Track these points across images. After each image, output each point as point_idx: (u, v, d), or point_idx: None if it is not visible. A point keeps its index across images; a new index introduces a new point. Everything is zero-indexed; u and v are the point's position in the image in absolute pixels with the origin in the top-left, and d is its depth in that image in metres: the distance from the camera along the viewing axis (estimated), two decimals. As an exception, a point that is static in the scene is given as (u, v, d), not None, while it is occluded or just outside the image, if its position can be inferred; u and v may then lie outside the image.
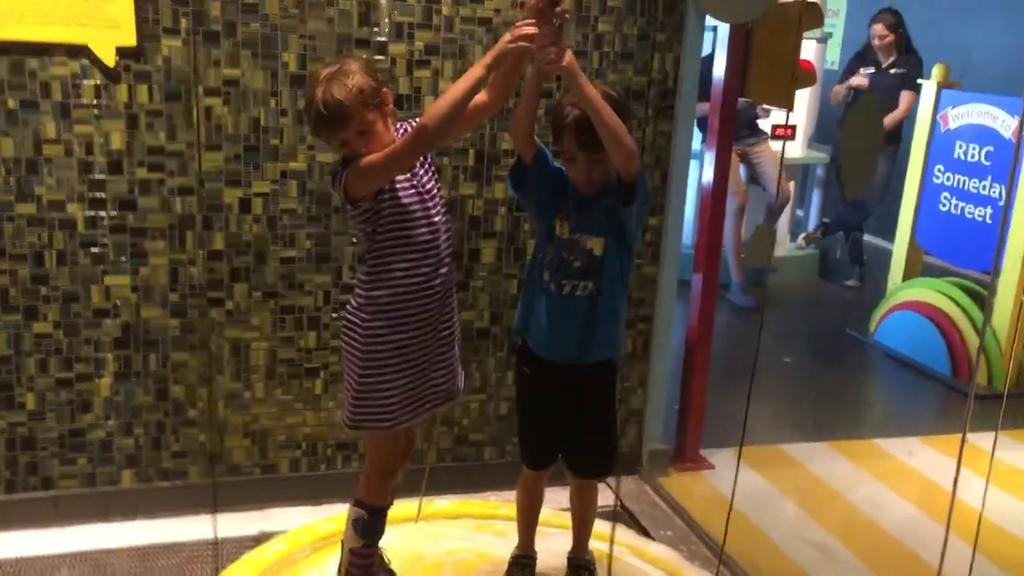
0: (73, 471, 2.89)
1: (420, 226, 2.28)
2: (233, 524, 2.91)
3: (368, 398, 2.31)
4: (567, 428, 2.52)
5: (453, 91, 2.14)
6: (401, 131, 2.28)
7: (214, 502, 2.67)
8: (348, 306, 2.35)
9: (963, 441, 2.27)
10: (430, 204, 2.31)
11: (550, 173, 2.38)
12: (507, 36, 2.14)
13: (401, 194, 2.26)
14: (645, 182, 2.32)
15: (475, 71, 2.15)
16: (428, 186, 2.32)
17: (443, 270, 2.35)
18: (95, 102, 2.67)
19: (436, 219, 2.32)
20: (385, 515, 2.47)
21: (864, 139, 2.31)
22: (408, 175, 2.28)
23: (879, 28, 5.80)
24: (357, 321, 2.30)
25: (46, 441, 2.85)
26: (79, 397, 2.85)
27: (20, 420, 2.82)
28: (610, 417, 2.56)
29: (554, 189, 2.38)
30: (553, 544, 2.73)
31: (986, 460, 2.93)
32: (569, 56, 2.15)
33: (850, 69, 6.09)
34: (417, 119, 2.22)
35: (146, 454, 2.94)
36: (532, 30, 2.12)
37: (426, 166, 2.34)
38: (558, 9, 2.11)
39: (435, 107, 2.14)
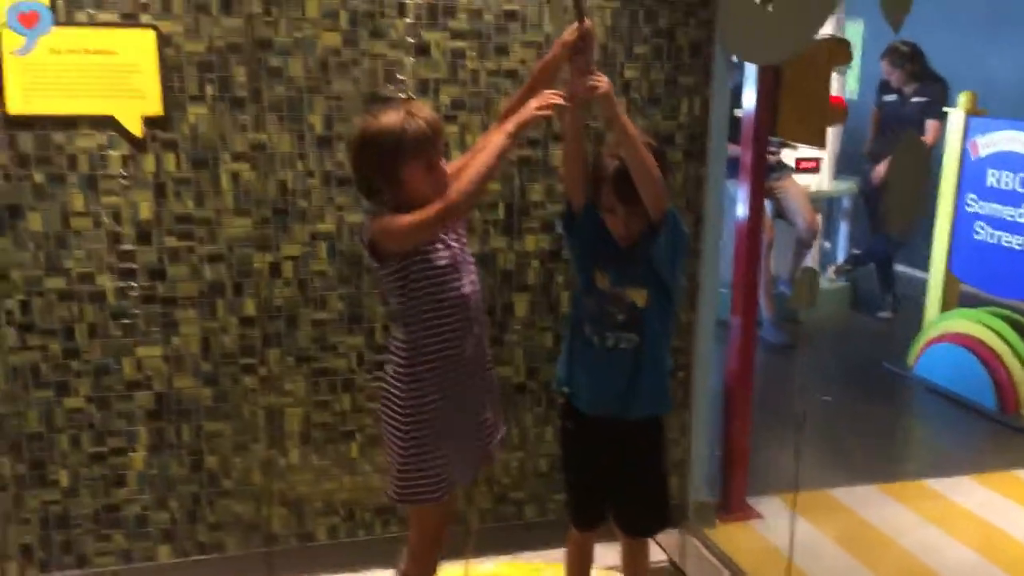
0: (109, 548, 2.83)
1: (453, 287, 2.24)
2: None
3: (414, 469, 2.25)
4: (614, 485, 2.44)
5: (479, 166, 2.11)
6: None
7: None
8: (384, 374, 2.29)
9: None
10: (461, 263, 2.27)
11: (597, 223, 2.34)
12: (533, 103, 2.14)
13: (432, 256, 2.21)
14: (676, 217, 2.27)
15: (500, 142, 2.13)
16: (459, 244, 2.28)
17: (477, 329, 2.31)
18: (122, 172, 2.65)
19: (470, 277, 2.29)
20: None
21: (911, 175, 2.25)
22: (439, 243, 2.23)
23: (884, 65, 5.86)
24: (395, 391, 2.25)
25: (80, 518, 2.79)
26: (113, 472, 2.79)
27: (54, 498, 2.77)
28: (659, 472, 2.49)
29: (598, 240, 2.33)
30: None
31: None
32: (607, 84, 2.13)
33: (878, 95, 6.07)
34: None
35: (182, 527, 2.87)
36: (558, 99, 2.13)
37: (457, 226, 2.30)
38: (586, 26, 2.14)
39: (463, 182, 2.11)
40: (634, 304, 2.30)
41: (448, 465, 2.27)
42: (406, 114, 2.12)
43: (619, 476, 2.44)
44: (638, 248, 2.30)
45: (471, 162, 2.16)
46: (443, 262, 2.22)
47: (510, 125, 2.15)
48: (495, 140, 2.15)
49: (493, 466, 2.88)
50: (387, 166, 2.13)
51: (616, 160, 2.23)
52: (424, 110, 2.18)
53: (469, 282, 2.29)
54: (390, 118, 2.12)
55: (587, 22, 2.17)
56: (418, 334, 2.23)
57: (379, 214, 2.17)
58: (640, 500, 2.47)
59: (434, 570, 2.40)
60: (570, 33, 2.18)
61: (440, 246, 2.23)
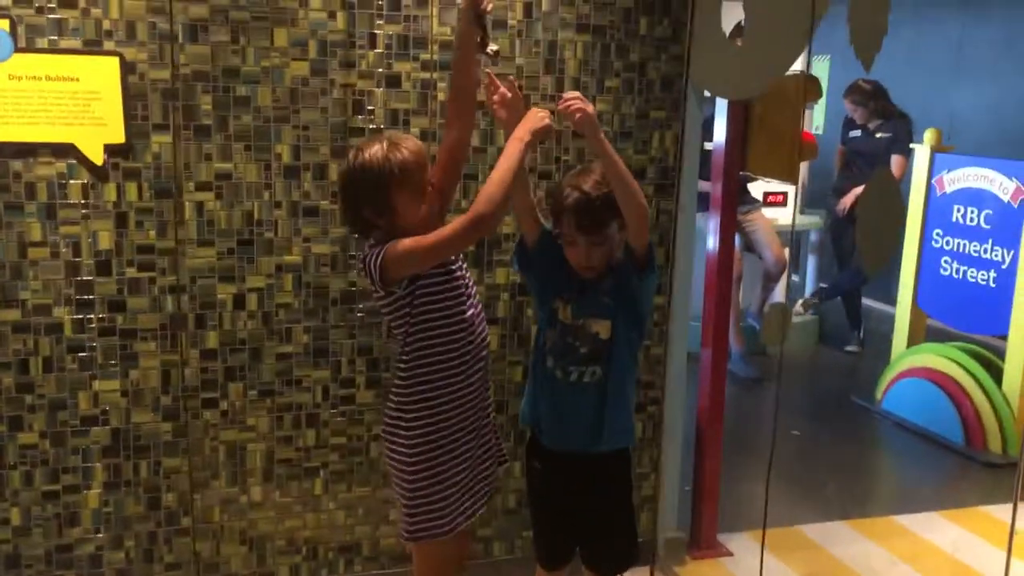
0: (60, 589, 2.73)
1: (457, 310, 2.22)
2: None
3: (423, 505, 2.21)
4: (582, 522, 2.40)
5: (500, 174, 2.09)
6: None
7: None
8: (387, 411, 2.27)
9: (1012, 526, 2.16)
10: (464, 295, 2.26)
11: (555, 254, 2.31)
12: (540, 112, 2.18)
13: (434, 287, 2.19)
14: (654, 249, 2.26)
15: (515, 149, 2.12)
16: (461, 274, 2.27)
17: (480, 363, 2.29)
18: (82, 201, 2.58)
19: (472, 300, 2.28)
20: None
21: (884, 213, 2.24)
22: (441, 267, 2.21)
23: (847, 103, 5.96)
24: (401, 427, 2.22)
25: (31, 559, 2.69)
26: (66, 510, 2.70)
27: (5, 537, 2.66)
28: (627, 507, 2.44)
29: (557, 271, 2.31)
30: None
31: (1006, 531, 2.80)
32: (591, 108, 2.13)
33: (844, 132, 6.14)
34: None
35: (138, 567, 2.78)
36: (548, 120, 2.17)
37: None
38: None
39: (486, 193, 2.07)
40: (597, 336, 2.27)
41: (458, 496, 2.24)
42: (390, 145, 2.13)
43: (587, 513, 2.39)
44: (604, 279, 2.28)
45: (491, 174, 2.13)
46: (447, 284, 2.21)
47: (523, 133, 2.15)
48: (510, 148, 2.13)
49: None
50: (377, 198, 2.12)
51: (576, 191, 2.21)
52: (408, 140, 2.17)
53: (471, 305, 2.28)
54: (374, 150, 2.12)
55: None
56: (421, 365, 2.20)
57: (381, 241, 2.14)
58: (609, 537, 2.43)
59: None
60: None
61: (442, 269, 2.21)
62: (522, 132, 2.15)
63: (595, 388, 2.29)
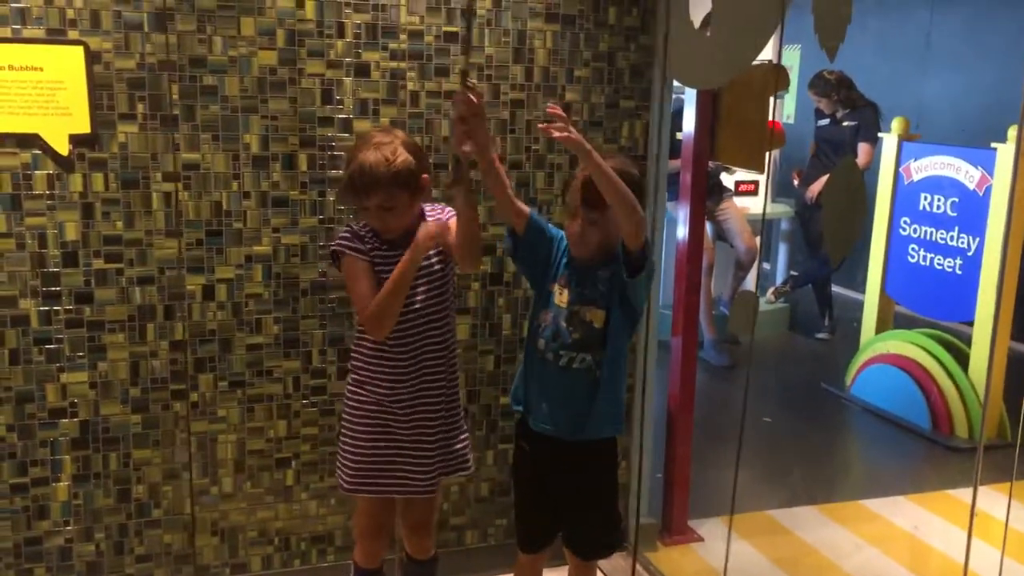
0: (30, 582, 2.71)
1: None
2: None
3: (339, 455, 2.45)
4: (566, 506, 2.41)
5: (388, 286, 2.27)
6: (437, 211, 2.38)
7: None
8: None
9: (973, 508, 2.20)
10: (418, 284, 2.33)
11: (546, 241, 2.34)
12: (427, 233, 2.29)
13: (384, 272, 2.30)
14: (650, 246, 2.27)
15: (404, 264, 2.28)
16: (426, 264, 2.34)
17: (417, 354, 2.35)
18: (48, 192, 2.56)
19: (422, 300, 2.35)
20: None
21: (848, 202, 2.27)
22: (396, 259, 2.30)
23: (811, 94, 6.02)
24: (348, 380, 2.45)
25: (0, 552, 2.67)
26: (35, 503, 2.68)
27: (-29, 531, 2.65)
28: (611, 493, 2.46)
29: (551, 257, 2.33)
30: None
31: (978, 518, 2.85)
32: (574, 133, 2.11)
33: (814, 122, 6.20)
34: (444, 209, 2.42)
35: (109, 560, 2.76)
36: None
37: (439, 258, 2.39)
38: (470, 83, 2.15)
39: (375, 302, 2.28)
40: (591, 324, 2.28)
41: (364, 466, 2.38)
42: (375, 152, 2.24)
43: (572, 497, 2.40)
44: (601, 268, 2.29)
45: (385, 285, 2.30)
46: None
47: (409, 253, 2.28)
48: (400, 267, 2.28)
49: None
50: (355, 200, 2.31)
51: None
52: (376, 154, 2.22)
53: (424, 294, 2.34)
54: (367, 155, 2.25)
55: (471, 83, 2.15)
56: (360, 330, 2.40)
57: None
58: (592, 522, 2.44)
59: (366, 563, 2.51)
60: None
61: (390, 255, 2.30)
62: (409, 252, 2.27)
63: (584, 375, 2.30)
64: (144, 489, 2.77)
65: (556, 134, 2.09)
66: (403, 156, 2.21)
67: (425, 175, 2.30)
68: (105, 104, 2.56)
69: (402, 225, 2.30)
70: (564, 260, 2.33)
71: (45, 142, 2.52)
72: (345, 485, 2.42)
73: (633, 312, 2.32)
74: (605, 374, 2.30)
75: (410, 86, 2.80)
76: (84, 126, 2.54)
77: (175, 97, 2.61)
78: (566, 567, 2.56)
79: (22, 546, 2.69)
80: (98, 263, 2.63)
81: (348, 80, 2.74)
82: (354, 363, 2.42)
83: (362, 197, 2.23)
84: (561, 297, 2.31)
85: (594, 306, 2.28)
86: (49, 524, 2.70)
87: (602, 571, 3.03)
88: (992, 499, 3.54)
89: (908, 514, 3.76)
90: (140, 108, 2.59)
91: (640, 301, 2.31)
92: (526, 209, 2.32)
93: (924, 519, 3.71)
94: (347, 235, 2.34)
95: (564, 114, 2.11)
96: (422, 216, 2.36)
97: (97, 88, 2.54)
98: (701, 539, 3.41)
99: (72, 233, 2.60)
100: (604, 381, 2.30)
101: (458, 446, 2.47)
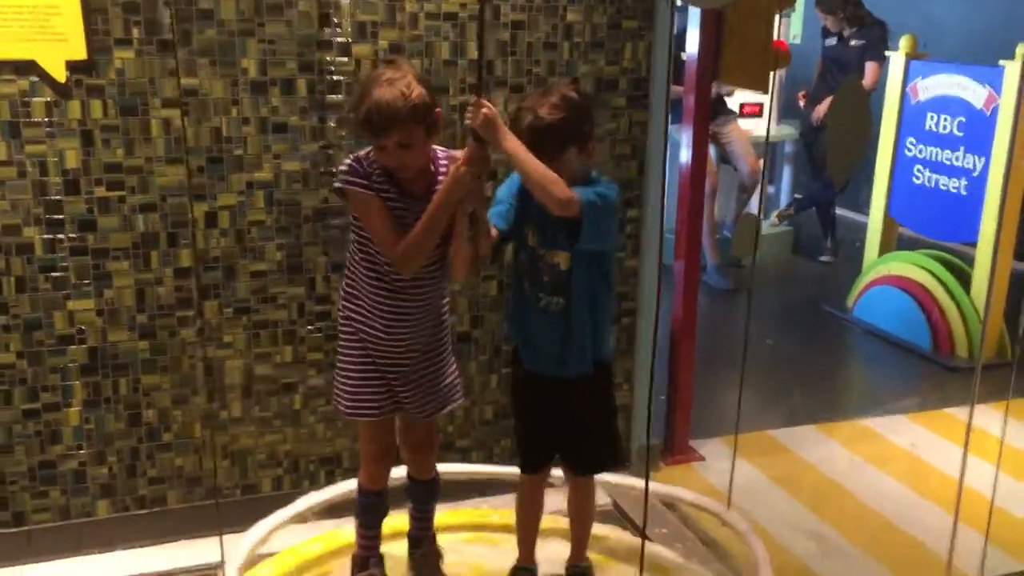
0: (45, 504, 2.77)
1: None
2: (218, 549, 2.80)
3: (336, 379, 2.42)
4: (562, 428, 2.46)
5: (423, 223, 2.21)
6: (442, 159, 2.29)
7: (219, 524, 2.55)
8: None
9: (969, 426, 2.23)
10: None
11: (515, 207, 2.33)
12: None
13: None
14: (592, 205, 2.19)
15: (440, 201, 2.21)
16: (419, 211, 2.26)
17: (417, 286, 2.31)
18: (47, 119, 2.54)
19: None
20: (376, 500, 2.50)
21: (852, 123, 2.25)
22: (404, 201, 2.25)
23: (818, 11, 5.92)
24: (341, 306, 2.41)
25: (15, 475, 2.73)
26: (47, 428, 2.73)
27: (-13, 455, 2.70)
28: (605, 412, 2.50)
29: (524, 197, 2.30)
30: (549, 551, 2.67)
31: (976, 436, 2.89)
32: (486, 113, 2.09)
33: (822, 40, 6.10)
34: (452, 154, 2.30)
35: (121, 482, 2.83)
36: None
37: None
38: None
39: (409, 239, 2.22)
40: (558, 266, 2.28)
41: (363, 389, 2.37)
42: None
43: (563, 424, 2.45)
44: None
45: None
46: (397, 208, 2.25)
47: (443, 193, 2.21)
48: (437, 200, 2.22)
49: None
50: (375, 138, 2.20)
51: (530, 114, 2.19)
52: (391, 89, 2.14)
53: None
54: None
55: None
56: (355, 256, 2.33)
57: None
58: (585, 443, 2.49)
59: (372, 485, 2.48)
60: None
61: (400, 196, 2.24)
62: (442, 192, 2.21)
63: (558, 317, 2.31)
64: (154, 414, 2.81)
65: (467, 121, 2.10)
66: (418, 90, 2.14)
67: (438, 108, 2.23)
68: (100, 29, 2.52)
69: (418, 163, 2.22)
70: (532, 202, 2.27)
71: (42, 69, 2.50)
72: (344, 410, 2.42)
73: (599, 256, 2.30)
74: (577, 315, 2.30)
75: (409, 7, 2.76)
76: (81, 52, 2.52)
77: (170, 22, 2.57)
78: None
79: (36, 469, 2.75)
80: (100, 191, 2.63)
81: (345, 2, 2.70)
82: (347, 290, 2.37)
83: (380, 136, 2.14)
84: (533, 239, 2.32)
85: (559, 248, 2.27)
86: (62, 448, 2.75)
87: (607, 493, 3.09)
88: (990, 417, 3.57)
89: (907, 432, 3.81)
90: (135, 33, 2.55)
91: (601, 244, 2.27)
92: (493, 229, 2.29)
93: (923, 437, 3.76)
94: (354, 171, 2.23)
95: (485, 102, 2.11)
96: (435, 159, 2.31)
97: (91, 13, 2.51)
98: (702, 458, 3.48)
99: (72, 161, 2.59)
100: (578, 322, 2.31)
101: (448, 380, 2.49)
